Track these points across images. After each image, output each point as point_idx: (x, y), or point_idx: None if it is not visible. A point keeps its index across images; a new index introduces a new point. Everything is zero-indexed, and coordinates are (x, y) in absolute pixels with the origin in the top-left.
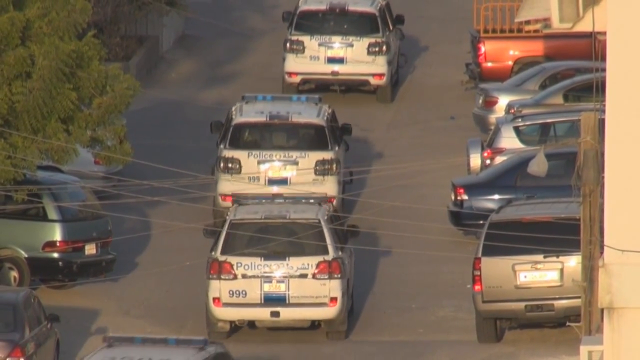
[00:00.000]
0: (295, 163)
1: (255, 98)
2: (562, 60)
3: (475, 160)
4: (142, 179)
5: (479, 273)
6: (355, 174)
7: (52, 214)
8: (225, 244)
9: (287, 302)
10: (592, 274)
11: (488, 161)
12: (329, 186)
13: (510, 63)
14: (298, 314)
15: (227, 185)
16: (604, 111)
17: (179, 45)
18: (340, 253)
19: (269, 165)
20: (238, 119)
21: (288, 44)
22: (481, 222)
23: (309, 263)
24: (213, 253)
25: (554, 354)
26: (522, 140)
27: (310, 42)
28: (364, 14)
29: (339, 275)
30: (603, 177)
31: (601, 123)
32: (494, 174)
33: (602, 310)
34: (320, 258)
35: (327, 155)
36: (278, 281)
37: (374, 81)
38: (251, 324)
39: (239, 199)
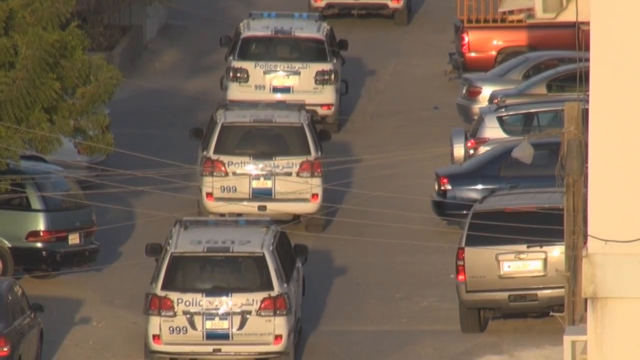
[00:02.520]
0: (298, 73)
1: (262, 15)
2: (545, 50)
3: (459, 150)
4: (125, 168)
5: (462, 263)
6: (339, 164)
7: (36, 203)
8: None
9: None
10: (575, 264)
11: (471, 151)
12: (327, 94)
13: (494, 53)
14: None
15: (236, 93)
16: (587, 101)
17: (162, 35)
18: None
19: (274, 75)
20: (246, 33)
21: None
22: (465, 212)
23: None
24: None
25: (537, 344)
26: (505, 130)
27: None
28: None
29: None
30: (586, 167)
31: (585, 113)
32: (477, 164)
33: (585, 300)
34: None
35: (326, 66)
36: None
37: (392, 4)
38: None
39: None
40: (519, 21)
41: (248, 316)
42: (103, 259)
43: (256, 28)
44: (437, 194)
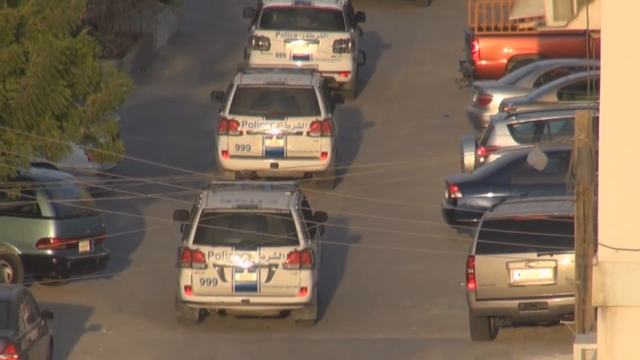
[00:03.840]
0: (317, 42)
1: None
2: (556, 58)
3: (469, 158)
4: (136, 176)
5: (472, 271)
6: (350, 171)
7: (46, 210)
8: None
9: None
10: (585, 272)
11: (482, 159)
12: (345, 62)
13: (505, 61)
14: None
15: (258, 60)
16: (598, 109)
17: (173, 42)
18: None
19: (294, 43)
20: (268, 4)
21: None
22: (475, 220)
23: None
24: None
25: (547, 352)
26: (516, 138)
27: None
28: None
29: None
30: (597, 175)
31: (595, 121)
32: (488, 172)
33: (595, 309)
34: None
35: (343, 35)
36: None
37: None
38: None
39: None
40: (530, 29)
41: (275, 269)
42: (113, 267)
43: None
44: (448, 201)
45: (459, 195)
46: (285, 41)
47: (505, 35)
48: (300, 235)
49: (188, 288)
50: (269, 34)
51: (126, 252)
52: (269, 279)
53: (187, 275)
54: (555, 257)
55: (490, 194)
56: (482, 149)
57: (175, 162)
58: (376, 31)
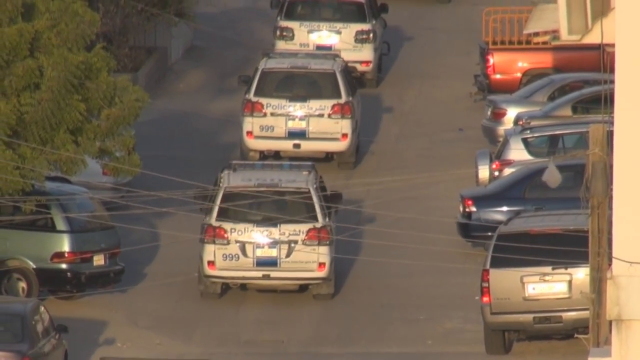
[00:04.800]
0: (339, 32)
1: None
2: (570, 72)
3: (484, 172)
4: (150, 190)
5: (487, 285)
6: (365, 185)
7: (61, 224)
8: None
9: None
10: (600, 286)
11: (496, 173)
12: (366, 52)
13: (519, 75)
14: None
15: (281, 49)
16: (612, 123)
17: (187, 57)
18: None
19: (317, 34)
20: None
21: None
22: (489, 233)
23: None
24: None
25: None
26: (530, 152)
27: None
28: None
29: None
30: (611, 189)
31: (609, 135)
32: (502, 185)
33: (610, 322)
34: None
35: (365, 26)
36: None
37: None
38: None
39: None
40: (544, 43)
41: (294, 245)
42: (128, 280)
43: None
44: (462, 215)
45: (474, 209)
46: (309, 31)
47: (519, 49)
48: (318, 213)
49: (211, 263)
50: (293, 24)
51: (141, 266)
52: (288, 254)
53: (210, 251)
54: (569, 270)
55: (504, 208)
56: (497, 162)
57: (189, 176)
58: (392, 45)
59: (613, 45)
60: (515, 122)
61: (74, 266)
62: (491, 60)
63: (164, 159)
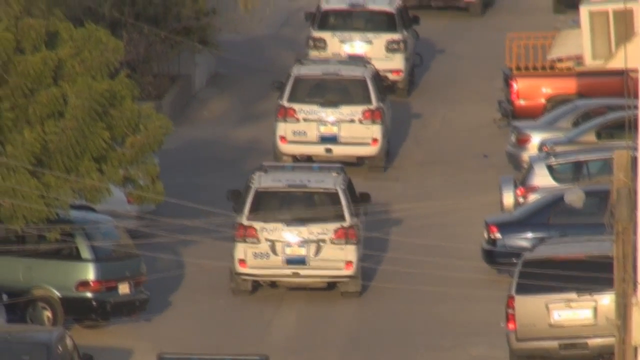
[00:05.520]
0: (370, 42)
1: None
2: (594, 98)
3: (508, 199)
4: (174, 218)
5: (512, 311)
6: (389, 212)
7: (86, 253)
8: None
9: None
10: (626, 312)
11: (521, 199)
12: (397, 61)
13: (543, 101)
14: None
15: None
16: (636, 149)
17: (211, 84)
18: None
19: (349, 44)
20: (325, 6)
21: None
22: (514, 260)
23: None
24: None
25: None
26: (555, 178)
27: None
28: None
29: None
30: (636, 215)
31: (634, 161)
32: (527, 212)
33: (635, 349)
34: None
35: (396, 36)
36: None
37: None
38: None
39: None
40: (568, 69)
41: (323, 244)
42: (153, 309)
43: (334, 2)
44: (487, 242)
45: (498, 235)
46: (341, 41)
47: (543, 75)
48: (346, 213)
49: (242, 261)
50: (326, 35)
51: (166, 294)
52: (317, 253)
53: (241, 250)
54: (595, 297)
55: (529, 234)
56: (521, 189)
57: (214, 204)
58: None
59: (637, 71)
60: (540, 148)
61: (99, 295)
62: (515, 86)
63: (188, 187)
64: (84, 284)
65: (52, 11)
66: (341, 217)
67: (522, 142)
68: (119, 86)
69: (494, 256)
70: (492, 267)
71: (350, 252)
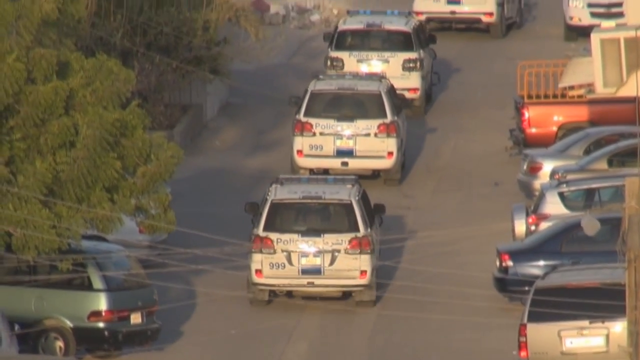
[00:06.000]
0: (387, 61)
1: (358, 12)
2: (606, 126)
3: (520, 227)
4: (186, 247)
5: (524, 339)
6: (402, 240)
7: (97, 283)
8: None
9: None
10: (638, 340)
11: (533, 227)
12: (413, 80)
13: (555, 129)
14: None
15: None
16: None
17: (222, 113)
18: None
19: (366, 63)
20: (342, 27)
21: None
22: (526, 288)
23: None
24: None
25: None
26: (567, 206)
27: None
28: None
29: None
30: None
31: None
32: (539, 240)
33: None
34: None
35: (412, 55)
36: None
37: (485, 19)
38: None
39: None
40: (580, 96)
41: (337, 254)
42: (165, 339)
43: (351, 22)
44: (499, 270)
45: (510, 263)
46: (358, 61)
47: (555, 103)
48: (360, 223)
49: (258, 271)
50: (343, 54)
51: (178, 323)
52: (332, 263)
53: (258, 260)
54: (607, 324)
55: (541, 262)
56: (533, 217)
57: (225, 233)
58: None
59: None
60: (552, 176)
61: (111, 325)
62: (526, 114)
63: (199, 216)
64: (96, 314)
65: (63, 41)
66: (355, 228)
67: (533, 170)
68: (130, 116)
69: (505, 284)
70: (504, 295)
71: (364, 262)
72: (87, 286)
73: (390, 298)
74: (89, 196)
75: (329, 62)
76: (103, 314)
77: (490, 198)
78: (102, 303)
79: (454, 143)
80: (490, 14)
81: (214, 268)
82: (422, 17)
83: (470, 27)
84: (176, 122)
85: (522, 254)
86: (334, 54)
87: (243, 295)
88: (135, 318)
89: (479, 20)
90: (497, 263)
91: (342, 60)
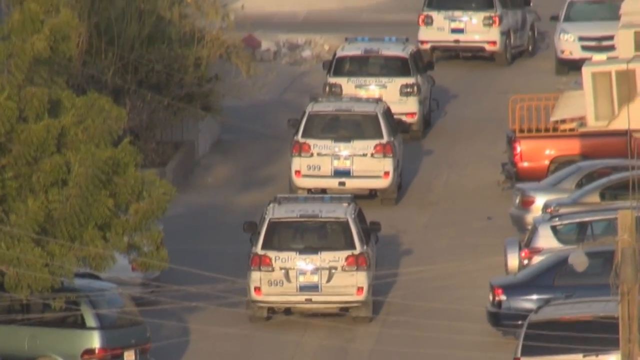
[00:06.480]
0: (385, 87)
1: (356, 39)
2: (598, 159)
3: (513, 261)
4: (179, 284)
5: None
6: (394, 275)
7: (91, 321)
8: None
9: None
10: None
11: (526, 261)
12: (411, 105)
13: (547, 162)
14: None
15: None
16: None
17: (214, 150)
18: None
19: (364, 88)
20: (340, 53)
21: (422, 18)
22: (520, 322)
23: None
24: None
25: None
26: (559, 240)
27: (437, 16)
28: None
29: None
30: None
31: (638, 221)
32: (532, 273)
33: None
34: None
35: (409, 80)
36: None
37: (488, 47)
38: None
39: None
40: (571, 130)
41: (334, 271)
42: None
43: (350, 49)
44: (492, 304)
45: (504, 297)
46: (356, 86)
47: (546, 137)
48: (356, 241)
49: (257, 289)
50: (341, 80)
51: None
52: (329, 279)
53: (257, 278)
54: (600, 357)
55: (534, 296)
56: (526, 251)
57: (218, 270)
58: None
59: None
60: (544, 209)
61: None
62: (518, 148)
63: (192, 253)
64: (90, 352)
65: (54, 79)
66: (352, 245)
67: (526, 204)
68: (122, 153)
69: (499, 318)
70: (498, 329)
71: (361, 278)
72: (80, 324)
73: (384, 333)
74: (82, 234)
75: (327, 88)
76: (96, 352)
77: (483, 232)
78: (95, 341)
79: (446, 177)
80: (494, 43)
81: (207, 305)
82: (427, 46)
83: (476, 55)
84: (168, 159)
85: (515, 288)
86: (333, 80)
87: (237, 332)
88: (129, 356)
89: (482, 49)
90: (491, 297)
91: (340, 86)
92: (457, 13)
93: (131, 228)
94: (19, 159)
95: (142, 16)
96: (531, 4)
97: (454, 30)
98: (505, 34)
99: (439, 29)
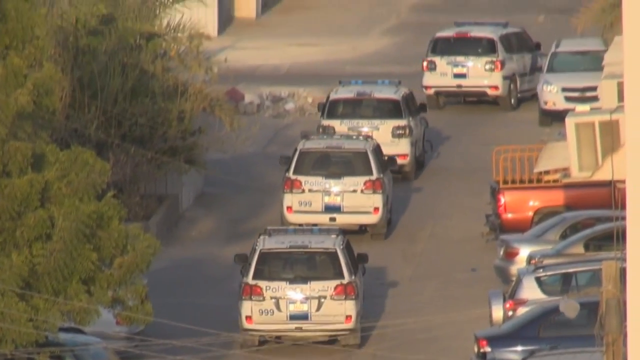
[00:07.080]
0: (377, 128)
1: (350, 82)
2: (582, 210)
3: (498, 312)
4: (164, 338)
5: None
6: (379, 327)
7: None
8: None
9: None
10: None
11: (510, 312)
12: (403, 146)
13: (531, 214)
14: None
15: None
16: (625, 260)
17: (198, 203)
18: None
19: (357, 131)
20: (333, 96)
21: (426, 64)
22: None
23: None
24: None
25: None
26: (544, 291)
27: (440, 62)
28: None
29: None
30: (626, 326)
31: (623, 272)
32: (516, 325)
33: None
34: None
35: (401, 122)
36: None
37: (490, 92)
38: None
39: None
40: (555, 181)
41: (323, 300)
42: None
43: (343, 92)
44: (477, 356)
45: (488, 349)
46: (349, 129)
47: (530, 188)
48: (344, 270)
49: (249, 318)
50: (334, 122)
51: None
52: (318, 308)
53: (248, 307)
54: None
55: (519, 347)
56: (510, 302)
57: (203, 324)
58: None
59: (624, 182)
60: (528, 261)
61: None
62: (502, 199)
63: (177, 307)
64: None
65: (38, 134)
66: (340, 275)
67: (510, 255)
68: (106, 207)
69: None
70: None
71: (349, 307)
72: None
73: None
74: (66, 288)
75: (320, 130)
76: None
77: (468, 284)
78: None
79: (431, 229)
80: (496, 87)
81: (193, 358)
82: (431, 91)
83: (481, 100)
84: (152, 213)
85: (500, 340)
86: (326, 122)
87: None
88: None
89: (484, 94)
90: (475, 349)
91: (333, 129)
92: (460, 58)
93: (115, 282)
94: (3, 213)
95: (125, 70)
96: (541, 49)
97: (457, 75)
98: (509, 78)
99: (442, 74)
